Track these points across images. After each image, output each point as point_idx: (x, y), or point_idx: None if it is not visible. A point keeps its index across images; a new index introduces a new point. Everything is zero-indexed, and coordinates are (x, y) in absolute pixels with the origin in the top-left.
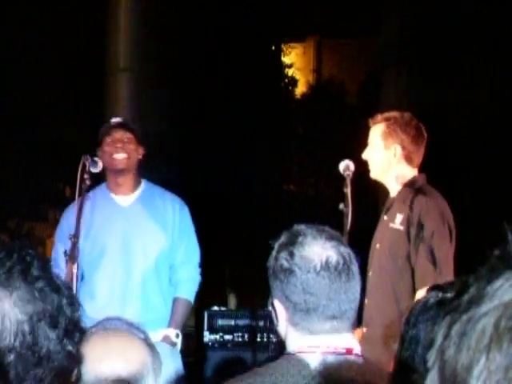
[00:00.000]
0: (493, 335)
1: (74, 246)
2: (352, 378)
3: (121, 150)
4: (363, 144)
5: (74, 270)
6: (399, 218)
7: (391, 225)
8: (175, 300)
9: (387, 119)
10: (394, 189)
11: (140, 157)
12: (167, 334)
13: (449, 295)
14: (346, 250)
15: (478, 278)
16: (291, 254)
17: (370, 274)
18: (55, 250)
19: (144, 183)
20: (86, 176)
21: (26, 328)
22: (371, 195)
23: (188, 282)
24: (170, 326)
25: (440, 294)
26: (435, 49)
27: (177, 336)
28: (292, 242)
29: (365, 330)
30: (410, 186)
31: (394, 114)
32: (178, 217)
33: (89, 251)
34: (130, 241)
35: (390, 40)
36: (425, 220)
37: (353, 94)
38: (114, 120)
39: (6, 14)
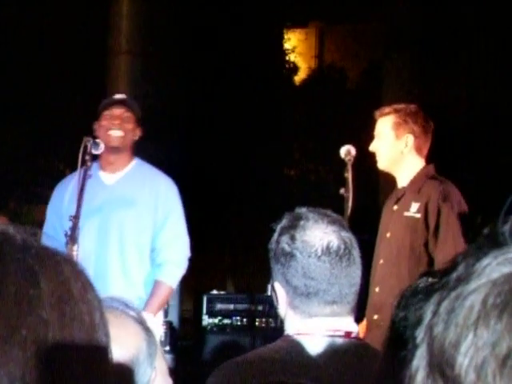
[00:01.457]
0: (480, 312)
1: (75, 226)
2: (350, 360)
3: (117, 127)
4: (364, 130)
5: (75, 251)
6: (415, 206)
7: (406, 213)
8: (154, 283)
9: (397, 110)
10: (403, 179)
11: (136, 138)
12: None
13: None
14: (347, 235)
15: (467, 255)
16: (293, 238)
17: (380, 262)
18: (47, 224)
19: (135, 162)
20: (87, 157)
21: None
22: (372, 180)
23: (169, 264)
24: (144, 309)
25: (430, 279)
26: (438, 35)
27: (152, 320)
28: (294, 226)
29: (376, 316)
30: (424, 175)
31: (401, 105)
32: (164, 198)
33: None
34: (107, 220)
35: (392, 27)
36: (443, 207)
37: (354, 80)
38: (117, 96)
39: None
